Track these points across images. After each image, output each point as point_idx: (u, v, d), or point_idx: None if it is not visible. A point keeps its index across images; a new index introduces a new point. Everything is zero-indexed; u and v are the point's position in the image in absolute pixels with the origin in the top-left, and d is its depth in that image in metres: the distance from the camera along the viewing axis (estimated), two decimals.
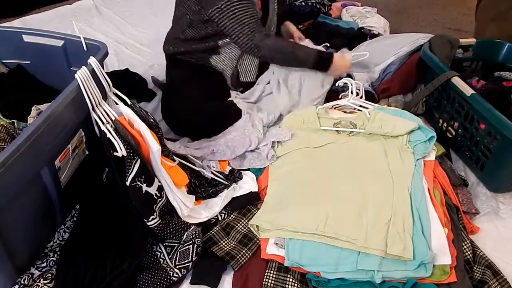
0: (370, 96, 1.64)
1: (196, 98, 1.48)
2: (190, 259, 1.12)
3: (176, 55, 1.58)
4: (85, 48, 1.27)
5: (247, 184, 1.35)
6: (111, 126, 1.11)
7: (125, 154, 1.08)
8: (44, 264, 1.11)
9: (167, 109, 1.54)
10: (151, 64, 2.02)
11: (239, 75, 1.58)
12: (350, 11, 2.31)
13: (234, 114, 1.50)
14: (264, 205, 1.26)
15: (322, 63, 1.48)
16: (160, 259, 1.16)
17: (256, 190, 1.33)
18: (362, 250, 1.09)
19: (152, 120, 1.24)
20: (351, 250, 1.10)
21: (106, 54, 1.22)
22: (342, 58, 1.53)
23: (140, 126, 1.15)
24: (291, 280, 1.09)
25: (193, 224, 1.19)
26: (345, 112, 1.52)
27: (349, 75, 1.70)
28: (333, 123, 1.46)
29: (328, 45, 1.85)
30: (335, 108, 1.53)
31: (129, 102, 1.21)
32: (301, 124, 1.46)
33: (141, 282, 1.09)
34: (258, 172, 1.38)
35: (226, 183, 1.34)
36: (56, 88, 1.37)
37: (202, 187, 1.34)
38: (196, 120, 1.46)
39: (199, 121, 1.46)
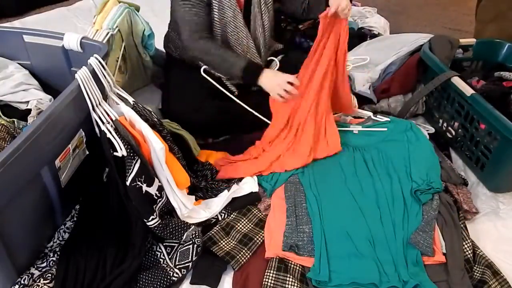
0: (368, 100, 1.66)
1: (196, 98, 1.48)
2: (190, 259, 1.12)
3: (176, 56, 1.59)
4: (79, 49, 1.27)
5: (248, 185, 1.35)
6: (111, 126, 1.11)
7: (125, 154, 1.08)
8: (44, 264, 1.11)
9: (168, 109, 1.54)
10: None
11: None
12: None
13: (234, 114, 1.50)
14: None
15: (249, 72, 1.39)
16: (160, 259, 1.16)
17: (257, 190, 1.34)
18: None
19: (156, 119, 1.25)
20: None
21: (107, 55, 1.22)
22: (275, 75, 1.40)
23: (142, 126, 1.15)
24: (291, 279, 1.09)
25: (193, 224, 1.19)
26: None
27: (348, 76, 1.70)
28: None
29: None
30: None
31: (131, 102, 1.21)
32: None
33: (141, 282, 1.09)
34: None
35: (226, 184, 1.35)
36: (57, 88, 1.37)
37: (202, 190, 1.34)
38: (196, 119, 1.46)
39: (199, 121, 1.46)
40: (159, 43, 1.73)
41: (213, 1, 1.41)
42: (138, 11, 1.63)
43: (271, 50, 1.66)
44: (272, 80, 1.38)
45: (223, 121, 1.49)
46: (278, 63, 1.60)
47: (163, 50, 1.70)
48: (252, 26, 1.50)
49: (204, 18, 1.42)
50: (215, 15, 1.43)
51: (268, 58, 1.64)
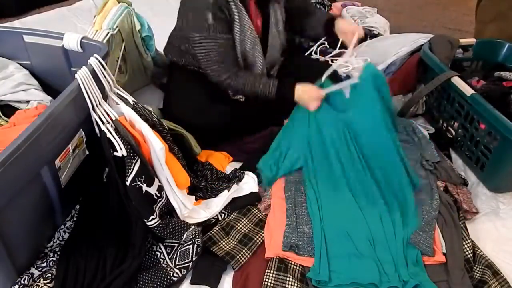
0: None
1: (198, 100, 1.47)
2: (190, 259, 1.12)
3: (177, 61, 1.57)
4: (79, 49, 1.27)
5: (248, 185, 1.35)
6: (111, 126, 1.11)
7: (125, 154, 1.08)
8: (44, 264, 1.11)
9: (169, 111, 1.54)
10: None
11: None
12: (350, 11, 2.31)
13: (237, 118, 1.50)
14: None
15: (282, 95, 1.39)
16: (160, 259, 1.16)
17: (257, 190, 1.34)
18: None
19: (156, 119, 1.25)
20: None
21: (107, 55, 1.22)
22: (310, 89, 1.38)
23: (142, 126, 1.15)
24: (291, 279, 1.09)
25: (193, 224, 1.19)
26: None
27: (348, 76, 1.70)
28: None
29: (326, 43, 1.85)
30: None
31: (131, 102, 1.21)
32: None
33: (141, 282, 1.09)
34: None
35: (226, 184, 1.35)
36: (57, 88, 1.37)
37: (202, 190, 1.34)
38: (198, 122, 1.45)
39: (202, 123, 1.46)
40: (159, 44, 1.73)
41: (235, 34, 1.36)
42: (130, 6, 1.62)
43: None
44: (308, 95, 1.38)
45: (226, 124, 1.48)
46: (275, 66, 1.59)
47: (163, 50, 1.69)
48: (269, 52, 1.49)
49: (232, 52, 1.39)
50: (237, 46, 1.39)
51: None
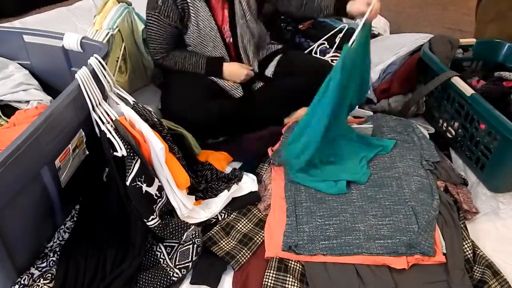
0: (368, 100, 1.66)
1: (195, 97, 1.48)
2: (190, 259, 1.12)
3: None
4: (79, 49, 1.27)
5: (247, 185, 1.35)
6: (111, 126, 1.11)
7: (125, 154, 1.08)
8: (44, 264, 1.11)
9: (167, 109, 1.54)
10: None
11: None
12: None
13: (234, 114, 1.50)
14: None
15: (211, 70, 1.55)
16: (160, 259, 1.16)
17: (256, 190, 1.34)
18: None
19: (156, 119, 1.25)
20: None
21: (107, 55, 1.22)
22: (236, 68, 1.56)
23: (142, 126, 1.15)
24: (291, 279, 1.09)
25: (193, 224, 1.19)
26: None
27: None
28: None
29: (326, 43, 1.84)
30: None
31: (131, 102, 1.21)
32: None
33: (141, 282, 1.09)
34: None
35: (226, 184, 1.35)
36: (57, 88, 1.37)
37: (202, 190, 1.34)
38: (196, 119, 1.45)
39: (199, 121, 1.46)
40: None
41: (190, 29, 1.48)
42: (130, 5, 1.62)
43: (268, 52, 1.65)
44: (235, 72, 1.56)
45: (223, 121, 1.48)
46: (275, 63, 1.60)
47: None
48: (240, 37, 1.53)
49: (170, 38, 1.51)
50: (192, 35, 1.50)
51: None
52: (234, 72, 1.55)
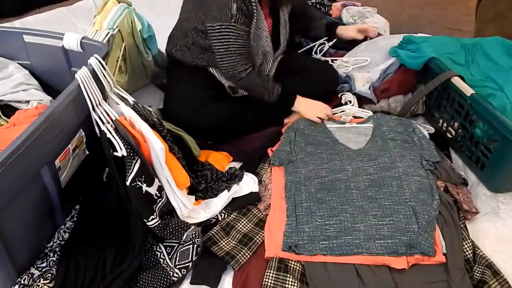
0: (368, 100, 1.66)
1: (198, 100, 1.47)
2: (190, 259, 1.12)
3: (180, 58, 1.58)
4: (79, 49, 1.27)
5: (247, 185, 1.35)
6: (111, 126, 1.11)
7: (125, 154, 1.08)
8: (44, 264, 1.11)
9: (169, 110, 1.54)
10: None
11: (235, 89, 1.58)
12: (350, 11, 2.30)
13: (236, 117, 1.50)
14: None
15: (283, 102, 1.49)
16: (160, 259, 1.16)
17: (257, 190, 1.34)
18: None
19: (156, 119, 1.25)
20: None
21: (107, 55, 1.22)
22: (314, 102, 1.52)
23: (142, 126, 1.15)
24: (291, 279, 1.09)
25: (193, 224, 1.19)
26: None
27: (348, 76, 1.70)
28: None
29: (326, 43, 1.84)
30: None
31: (131, 102, 1.21)
32: None
33: (141, 282, 1.09)
34: None
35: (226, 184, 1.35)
36: (57, 88, 1.37)
37: (202, 190, 1.34)
38: (198, 121, 1.45)
39: (201, 123, 1.46)
40: (159, 44, 1.73)
41: (251, 29, 1.40)
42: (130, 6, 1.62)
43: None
44: (314, 106, 1.52)
45: (224, 123, 1.48)
46: (276, 63, 1.60)
47: (163, 51, 1.69)
48: (280, 50, 1.56)
49: (248, 48, 1.41)
50: (251, 42, 1.43)
51: None
52: (313, 107, 1.50)
